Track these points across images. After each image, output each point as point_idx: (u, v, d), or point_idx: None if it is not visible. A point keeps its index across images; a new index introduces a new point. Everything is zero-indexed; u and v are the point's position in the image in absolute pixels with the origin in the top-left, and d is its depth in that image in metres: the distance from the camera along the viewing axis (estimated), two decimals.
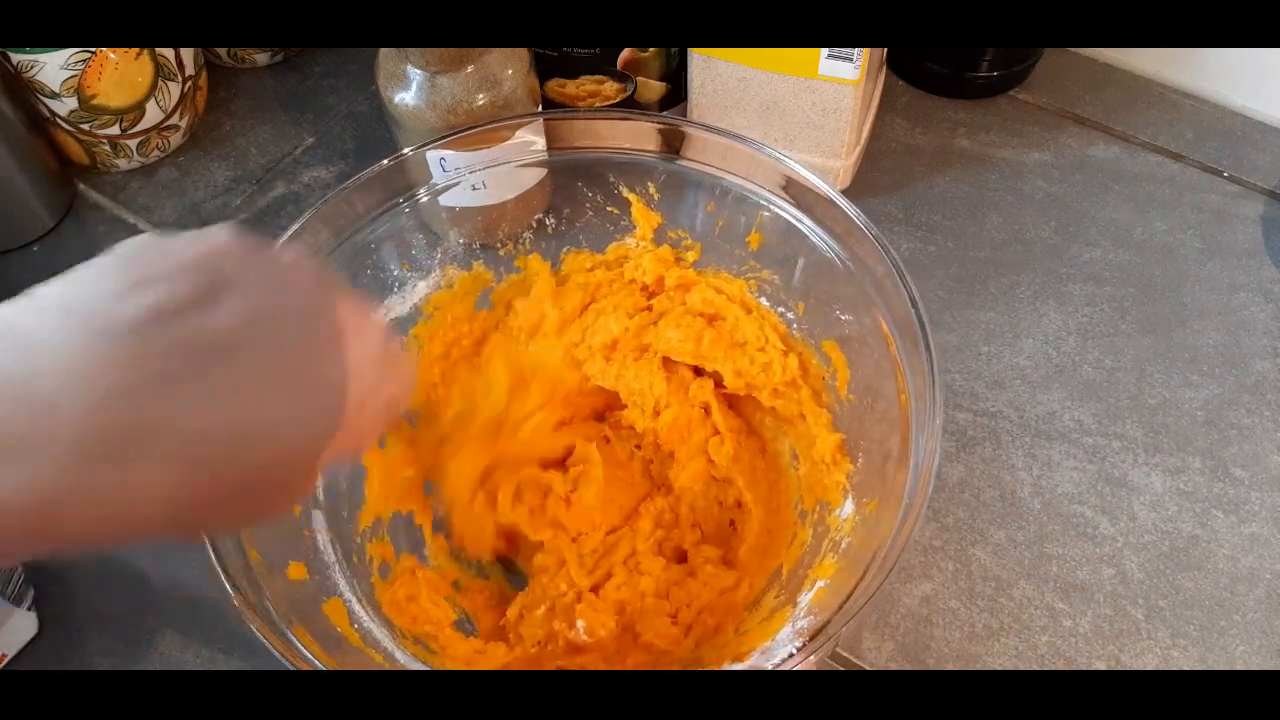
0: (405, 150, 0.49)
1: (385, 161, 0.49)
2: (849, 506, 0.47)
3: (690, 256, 0.54)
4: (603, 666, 0.47)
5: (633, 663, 0.48)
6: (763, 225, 0.51)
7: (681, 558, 0.52)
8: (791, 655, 0.38)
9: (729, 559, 0.51)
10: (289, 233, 0.45)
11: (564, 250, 0.55)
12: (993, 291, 0.63)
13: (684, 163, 0.51)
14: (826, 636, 0.37)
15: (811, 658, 0.37)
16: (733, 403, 0.54)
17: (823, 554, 0.47)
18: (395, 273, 0.51)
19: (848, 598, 0.38)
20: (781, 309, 0.53)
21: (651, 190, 0.53)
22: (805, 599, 0.44)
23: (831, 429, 0.50)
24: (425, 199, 0.51)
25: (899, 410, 0.44)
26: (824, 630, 0.37)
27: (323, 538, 0.45)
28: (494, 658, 0.47)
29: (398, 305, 0.51)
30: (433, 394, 0.53)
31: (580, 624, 0.48)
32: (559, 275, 0.55)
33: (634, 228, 0.53)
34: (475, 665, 0.47)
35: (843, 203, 0.46)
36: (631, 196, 0.52)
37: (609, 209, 0.53)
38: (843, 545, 0.46)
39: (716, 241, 0.53)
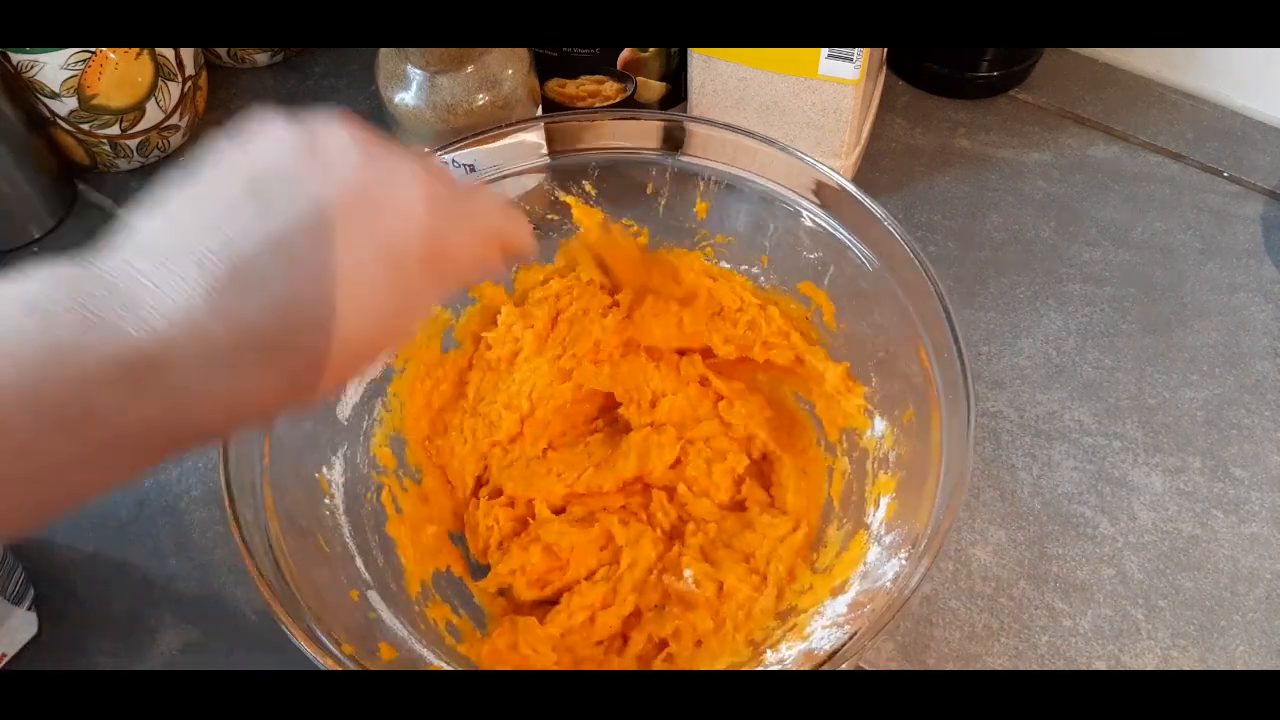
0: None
1: None
2: (879, 425, 0.50)
3: (640, 241, 0.55)
4: (710, 622, 0.48)
5: (729, 609, 0.48)
6: (707, 192, 0.52)
7: (737, 508, 0.53)
8: (903, 565, 0.41)
9: (779, 508, 0.52)
10: None
11: (512, 270, 0.55)
12: (992, 291, 0.63)
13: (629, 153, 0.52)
14: (938, 536, 0.39)
15: (923, 565, 0.39)
16: (725, 370, 0.55)
17: (872, 475, 0.49)
18: None
19: (934, 497, 0.41)
20: (745, 266, 0.55)
21: (588, 188, 0.54)
22: (876, 518, 0.47)
23: (833, 361, 0.52)
24: None
25: (898, 317, 0.47)
26: (937, 534, 0.40)
27: (387, 616, 0.45)
28: (606, 625, 0.48)
29: (370, 367, 0.50)
30: (429, 447, 0.53)
31: (688, 573, 0.49)
32: (515, 296, 0.56)
33: (577, 229, 0.54)
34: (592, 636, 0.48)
35: (780, 145, 0.49)
36: (569, 199, 0.53)
37: (549, 217, 0.54)
38: (891, 459, 0.48)
39: (664, 221, 0.54)
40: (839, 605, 0.44)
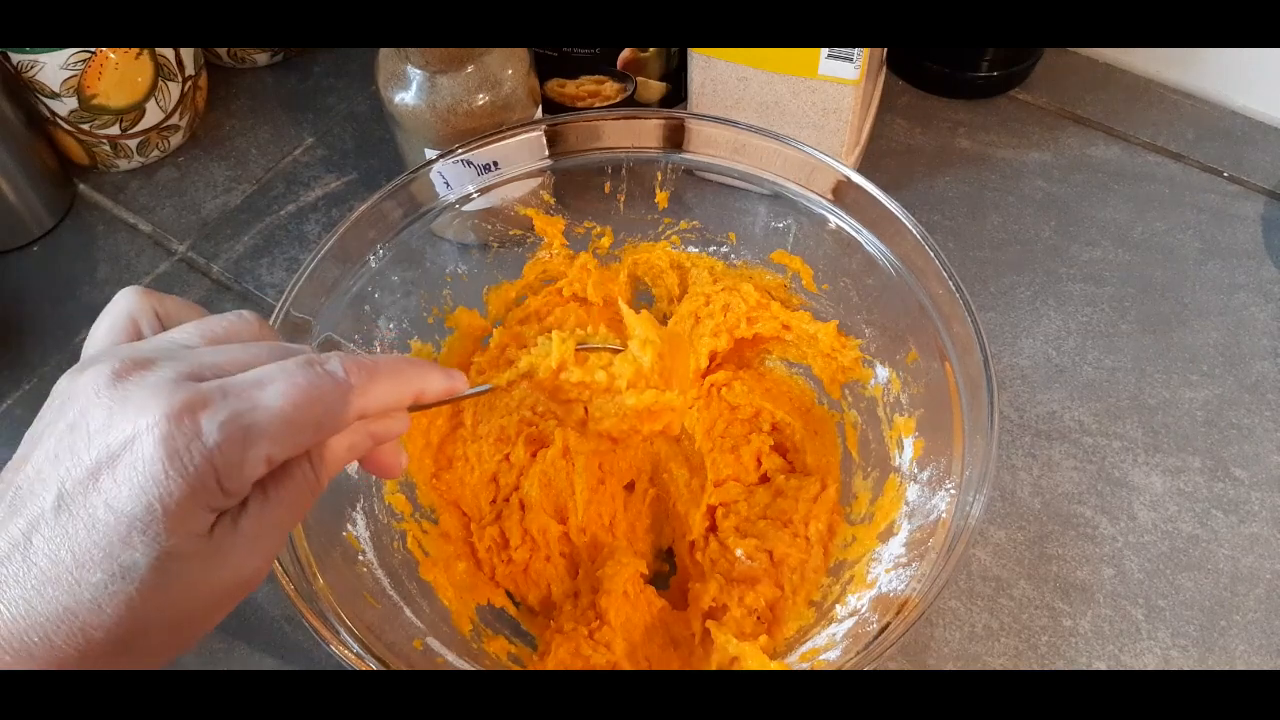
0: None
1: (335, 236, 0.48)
2: (882, 372, 0.52)
3: (604, 243, 0.56)
4: (775, 593, 0.49)
5: (785, 574, 0.49)
6: (664, 182, 0.53)
7: (761, 481, 0.54)
8: (952, 494, 0.42)
9: (801, 471, 0.54)
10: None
11: (483, 290, 0.55)
12: (993, 291, 0.63)
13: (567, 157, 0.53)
14: (985, 468, 0.41)
15: (980, 503, 0.40)
16: (713, 357, 0.56)
17: (886, 420, 0.51)
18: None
19: (963, 424, 0.43)
20: (713, 248, 0.56)
21: (545, 197, 0.55)
22: (904, 459, 0.49)
23: (820, 321, 0.53)
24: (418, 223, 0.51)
25: (882, 268, 0.49)
26: (980, 470, 0.41)
27: (453, 658, 0.45)
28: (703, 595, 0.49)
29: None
30: (437, 485, 0.53)
31: (739, 551, 0.50)
32: (490, 318, 0.56)
33: (541, 240, 0.55)
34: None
35: (737, 122, 0.50)
36: (529, 211, 0.53)
37: (511, 232, 0.54)
38: (904, 401, 0.50)
39: (625, 218, 0.55)
40: (894, 548, 0.45)
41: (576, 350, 0.41)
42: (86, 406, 0.27)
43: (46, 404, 0.29)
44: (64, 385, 0.29)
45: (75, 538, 0.26)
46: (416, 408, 0.34)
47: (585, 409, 0.42)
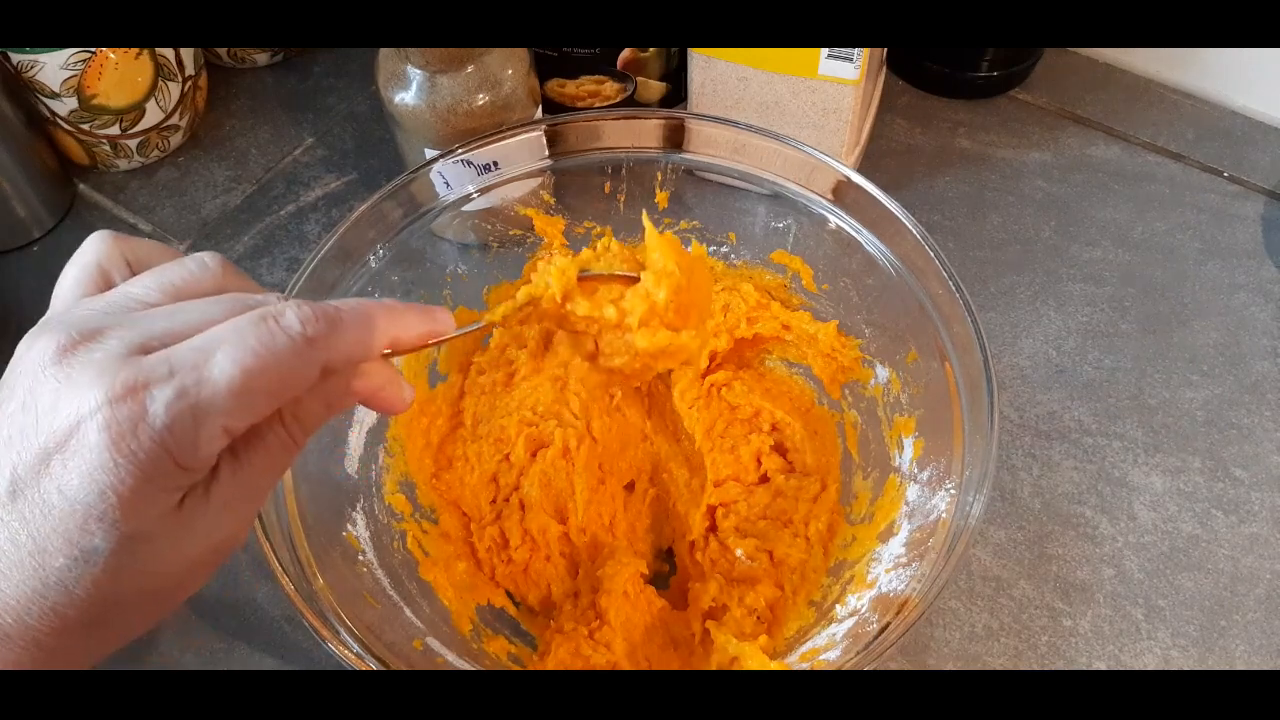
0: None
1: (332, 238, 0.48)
2: (882, 372, 0.52)
3: (604, 243, 0.55)
4: (775, 593, 0.49)
5: (785, 574, 0.49)
6: (664, 182, 0.53)
7: (760, 481, 0.54)
8: (952, 494, 0.42)
9: (801, 471, 0.53)
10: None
11: (484, 289, 0.55)
12: (993, 292, 0.63)
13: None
14: (984, 468, 0.41)
15: (980, 503, 0.40)
16: (713, 357, 0.56)
17: (886, 420, 0.51)
18: None
19: (963, 425, 0.43)
20: (713, 248, 0.56)
21: (546, 197, 0.54)
22: (904, 459, 0.48)
23: (820, 321, 0.53)
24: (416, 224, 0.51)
25: (882, 269, 0.49)
26: (980, 470, 0.41)
27: (453, 658, 0.45)
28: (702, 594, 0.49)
29: (366, 416, 0.50)
30: (437, 485, 0.53)
31: (739, 551, 0.50)
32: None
33: (541, 240, 0.55)
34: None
35: (737, 122, 0.50)
36: (529, 211, 0.53)
37: (511, 232, 0.54)
38: (904, 401, 0.50)
39: (626, 218, 0.54)
40: (894, 548, 0.45)
41: (582, 278, 0.37)
42: (34, 385, 0.26)
43: (7, 371, 0.28)
44: (19, 354, 0.27)
45: (32, 524, 0.26)
46: (399, 352, 0.32)
47: (596, 344, 0.38)
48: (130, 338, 0.27)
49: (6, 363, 0.28)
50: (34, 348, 0.27)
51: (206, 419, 0.26)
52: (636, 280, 0.37)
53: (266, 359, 0.26)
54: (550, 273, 0.36)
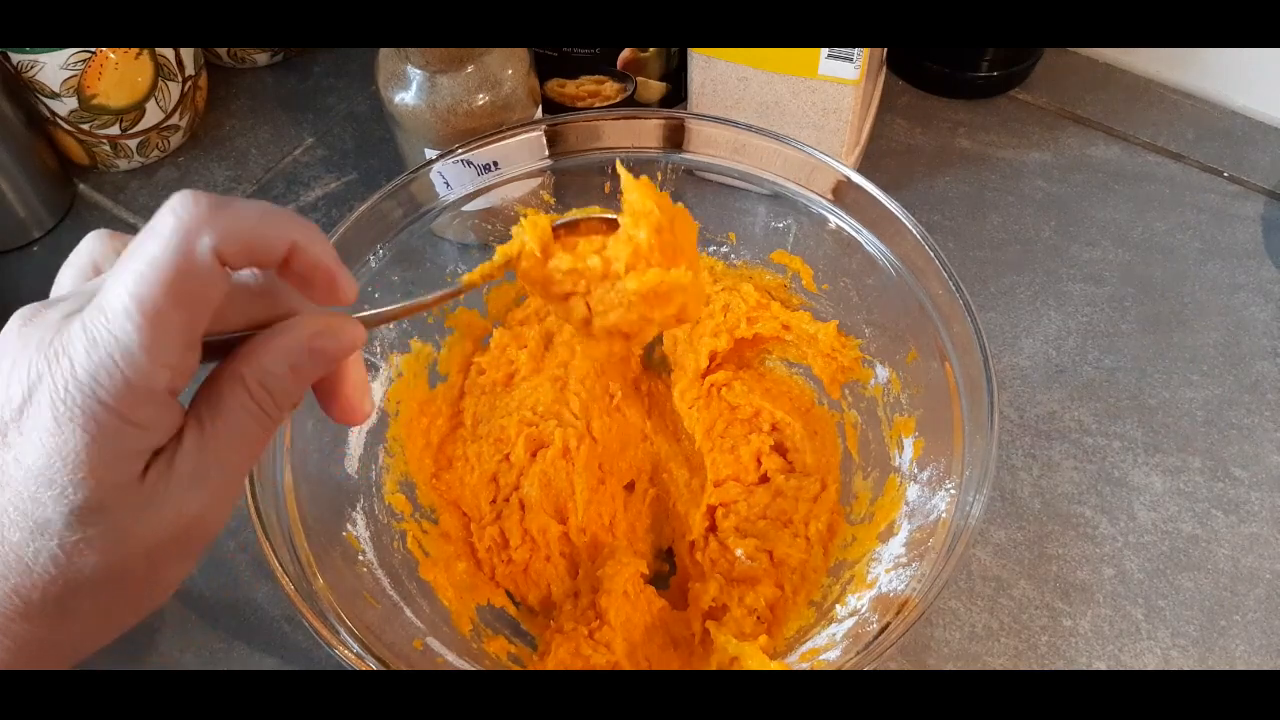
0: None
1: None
2: (882, 372, 0.52)
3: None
4: (775, 593, 0.49)
5: (785, 574, 0.49)
6: (665, 182, 0.53)
7: (760, 481, 0.54)
8: (952, 494, 0.42)
9: (801, 471, 0.53)
10: None
11: (483, 290, 0.55)
12: (993, 292, 0.63)
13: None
14: (985, 468, 0.41)
15: (980, 503, 0.40)
16: (713, 357, 0.56)
17: (886, 420, 0.51)
18: None
19: (963, 424, 0.43)
20: (713, 248, 0.56)
21: (546, 197, 0.54)
22: (904, 459, 0.49)
23: (820, 321, 0.54)
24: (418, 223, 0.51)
25: (882, 269, 0.49)
26: (980, 470, 0.41)
27: (453, 658, 0.45)
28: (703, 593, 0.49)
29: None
30: (437, 485, 0.53)
31: (739, 551, 0.50)
32: (491, 317, 0.56)
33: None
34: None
35: (737, 122, 0.50)
36: (529, 211, 0.53)
37: (511, 232, 0.54)
38: (904, 401, 0.50)
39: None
40: (894, 548, 0.45)
41: (557, 228, 0.34)
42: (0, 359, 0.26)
43: None
44: None
45: None
46: (378, 321, 0.31)
47: (588, 305, 0.36)
48: (74, 303, 0.26)
49: None
50: (6, 327, 0.27)
51: (129, 356, 0.24)
52: (614, 224, 0.35)
53: (150, 264, 0.24)
54: (524, 227, 0.35)
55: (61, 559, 0.26)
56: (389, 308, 0.32)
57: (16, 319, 0.26)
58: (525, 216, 0.34)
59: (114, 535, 0.26)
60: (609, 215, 0.35)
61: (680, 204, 0.36)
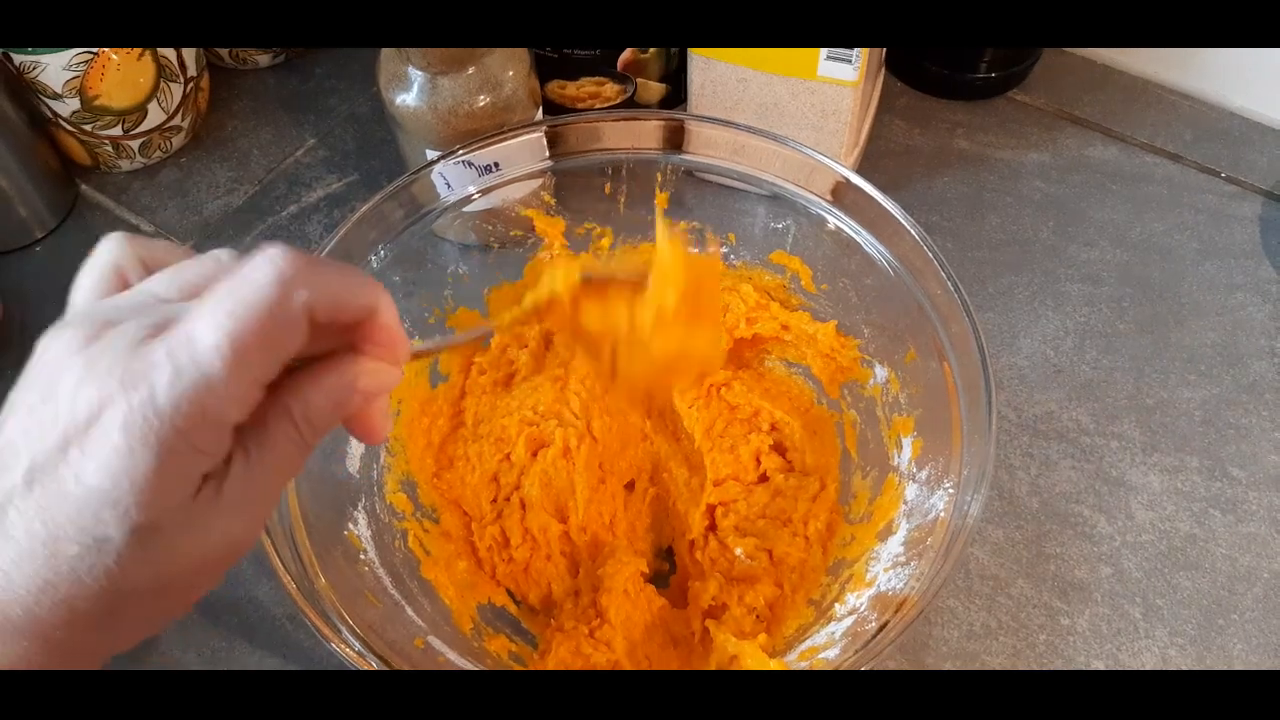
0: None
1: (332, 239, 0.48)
2: (881, 372, 0.52)
3: (604, 243, 0.56)
4: (774, 592, 0.49)
5: (785, 573, 0.50)
6: (664, 183, 0.53)
7: (759, 480, 0.54)
8: (950, 493, 0.42)
9: (800, 470, 0.54)
10: None
11: (484, 290, 0.55)
12: (991, 292, 0.63)
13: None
14: (983, 467, 0.41)
15: (979, 502, 0.40)
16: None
17: (885, 420, 0.51)
18: None
19: (961, 424, 0.43)
20: (714, 249, 0.56)
21: (546, 198, 0.54)
22: (903, 458, 0.49)
23: (819, 321, 0.54)
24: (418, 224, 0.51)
25: (881, 269, 0.49)
26: (978, 469, 0.41)
27: (454, 657, 0.45)
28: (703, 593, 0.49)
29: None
30: (438, 484, 0.53)
31: (739, 550, 0.50)
32: (491, 318, 0.56)
33: (542, 240, 0.55)
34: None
35: (737, 123, 0.50)
36: (530, 212, 0.53)
37: (512, 233, 0.55)
38: (903, 400, 0.50)
39: (626, 219, 0.55)
40: (892, 547, 0.46)
41: (585, 281, 0.35)
42: (55, 375, 0.26)
43: (28, 366, 0.28)
44: (41, 348, 0.28)
45: (47, 511, 0.26)
46: (414, 357, 0.32)
47: (613, 359, 0.37)
48: (146, 323, 0.27)
49: (6, 360, 0.28)
50: (58, 340, 0.27)
51: (213, 392, 0.25)
52: (642, 284, 0.36)
53: (247, 308, 0.26)
54: (555, 277, 0.36)
55: (116, 574, 0.26)
56: (424, 345, 0.33)
57: (72, 335, 0.27)
58: (555, 264, 0.35)
59: (165, 554, 0.27)
60: (636, 277, 0.36)
61: (712, 253, 0.37)
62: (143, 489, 0.26)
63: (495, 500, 0.53)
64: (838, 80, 0.57)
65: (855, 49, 0.55)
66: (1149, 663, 0.50)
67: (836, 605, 0.46)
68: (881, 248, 0.49)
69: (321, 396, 0.29)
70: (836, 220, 0.50)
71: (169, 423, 0.25)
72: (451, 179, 0.51)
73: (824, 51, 0.56)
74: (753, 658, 0.44)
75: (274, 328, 0.26)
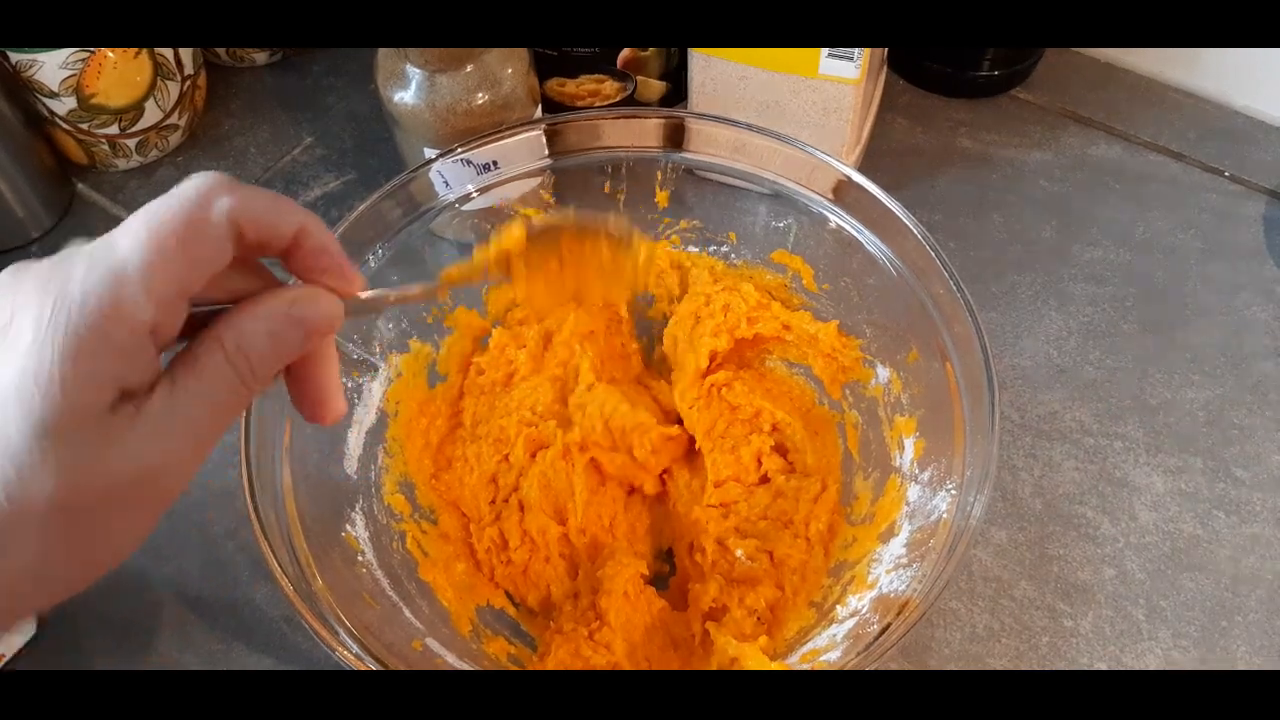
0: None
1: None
2: (883, 372, 0.52)
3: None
4: (775, 594, 0.49)
5: (786, 575, 0.49)
6: (664, 181, 0.53)
7: (761, 481, 0.54)
8: (953, 495, 0.42)
9: (801, 471, 0.53)
10: None
11: (482, 289, 0.55)
12: (994, 291, 0.63)
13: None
14: (985, 468, 0.41)
15: (981, 503, 0.40)
16: (714, 357, 0.56)
17: (887, 421, 0.51)
18: (349, 385, 0.50)
19: (964, 425, 0.43)
20: (713, 247, 0.56)
21: (545, 197, 0.54)
22: (905, 459, 0.48)
23: (821, 321, 0.53)
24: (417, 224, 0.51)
25: (883, 268, 0.49)
26: (981, 471, 0.41)
27: (453, 659, 0.45)
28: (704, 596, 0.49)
29: (365, 417, 0.50)
30: (436, 485, 0.53)
31: (739, 552, 0.50)
32: (491, 317, 0.56)
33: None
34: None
35: (737, 121, 0.50)
36: (529, 211, 0.54)
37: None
38: (905, 401, 0.50)
39: (626, 217, 0.54)
40: (894, 549, 0.45)
41: (531, 233, 0.36)
42: None
43: None
44: None
45: None
46: (362, 306, 0.31)
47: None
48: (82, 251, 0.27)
49: None
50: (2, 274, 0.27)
51: (124, 276, 0.25)
52: (585, 229, 0.37)
53: (166, 210, 0.26)
54: (503, 234, 0.36)
55: (14, 481, 0.25)
56: (369, 293, 0.32)
57: (16, 265, 0.27)
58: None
59: (70, 465, 0.26)
60: (577, 224, 0.37)
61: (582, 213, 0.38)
62: (48, 382, 0.25)
63: (494, 501, 0.53)
64: (839, 78, 0.57)
65: (857, 48, 0.55)
66: (1152, 664, 0.49)
67: (838, 607, 0.46)
68: (883, 247, 0.49)
69: (253, 323, 0.28)
70: (838, 219, 0.50)
71: (79, 312, 0.25)
72: (450, 177, 0.51)
73: (825, 50, 0.56)
74: (753, 660, 0.44)
75: (195, 228, 0.26)
